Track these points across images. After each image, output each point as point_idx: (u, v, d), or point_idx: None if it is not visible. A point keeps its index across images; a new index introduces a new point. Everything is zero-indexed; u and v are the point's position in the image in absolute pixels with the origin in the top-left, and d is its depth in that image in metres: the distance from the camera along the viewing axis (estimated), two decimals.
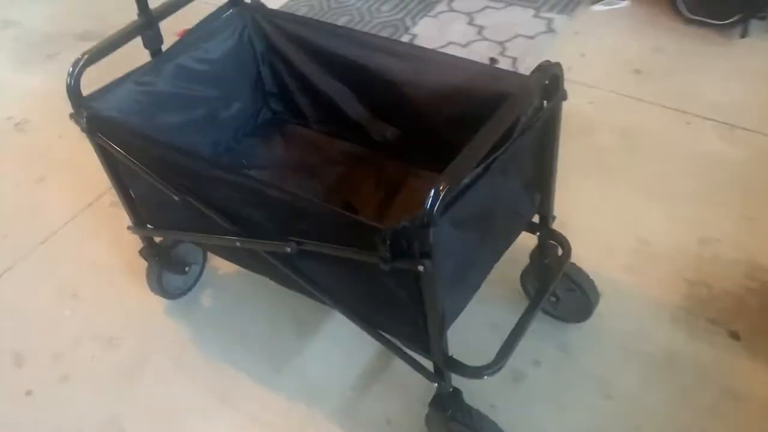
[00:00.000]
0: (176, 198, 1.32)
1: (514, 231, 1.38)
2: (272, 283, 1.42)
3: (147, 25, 1.48)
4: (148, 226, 1.58)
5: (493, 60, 2.36)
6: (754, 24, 2.38)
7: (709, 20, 2.39)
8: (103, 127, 1.37)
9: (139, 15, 1.46)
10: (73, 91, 1.35)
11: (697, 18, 2.42)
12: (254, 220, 1.27)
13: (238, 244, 1.31)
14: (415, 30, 2.61)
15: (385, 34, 2.60)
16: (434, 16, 2.68)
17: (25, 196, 2.20)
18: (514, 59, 2.37)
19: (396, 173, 1.62)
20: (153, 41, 1.51)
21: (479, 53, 2.42)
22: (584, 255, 1.54)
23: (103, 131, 1.37)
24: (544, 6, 2.63)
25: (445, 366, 1.24)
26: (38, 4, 3.22)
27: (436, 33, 2.58)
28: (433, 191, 0.96)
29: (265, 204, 1.22)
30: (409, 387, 1.51)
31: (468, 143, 1.04)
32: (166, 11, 1.51)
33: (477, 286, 1.29)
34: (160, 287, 1.71)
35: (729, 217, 1.80)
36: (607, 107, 2.19)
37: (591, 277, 1.54)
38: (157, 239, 1.64)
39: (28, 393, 1.63)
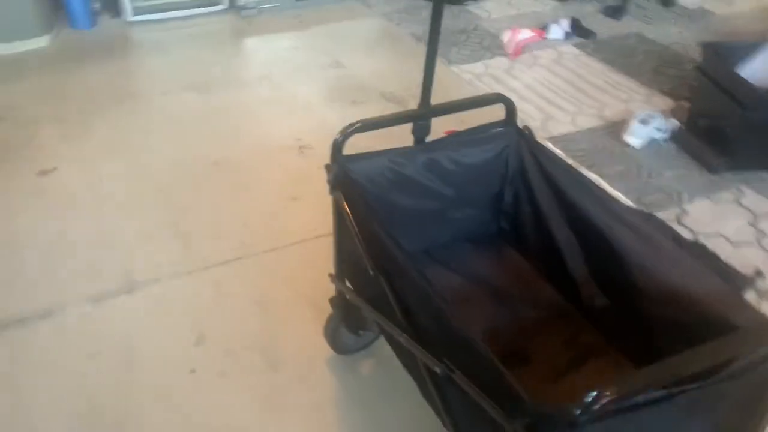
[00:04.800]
0: (371, 272, 1.41)
1: None
2: None
3: (421, 116, 1.63)
4: (346, 282, 1.70)
5: (758, 273, 2.12)
6: None
7: None
8: (344, 186, 1.52)
9: (419, 105, 1.62)
10: (338, 147, 1.53)
11: None
12: (423, 326, 1.30)
13: (401, 339, 1.36)
14: (688, 207, 2.46)
15: (655, 198, 2.49)
16: (715, 201, 2.49)
17: (275, 206, 2.51)
18: None
19: (590, 342, 1.54)
20: (421, 131, 1.65)
21: (745, 259, 2.19)
22: None
23: (342, 189, 1.52)
24: None
25: None
26: (370, 59, 3.68)
27: (709, 218, 2.40)
28: (594, 394, 0.90)
29: (429, 313, 1.25)
30: None
31: (666, 358, 0.96)
32: (443, 110, 1.64)
33: None
34: (332, 337, 1.83)
35: None
36: None
37: None
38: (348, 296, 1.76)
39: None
